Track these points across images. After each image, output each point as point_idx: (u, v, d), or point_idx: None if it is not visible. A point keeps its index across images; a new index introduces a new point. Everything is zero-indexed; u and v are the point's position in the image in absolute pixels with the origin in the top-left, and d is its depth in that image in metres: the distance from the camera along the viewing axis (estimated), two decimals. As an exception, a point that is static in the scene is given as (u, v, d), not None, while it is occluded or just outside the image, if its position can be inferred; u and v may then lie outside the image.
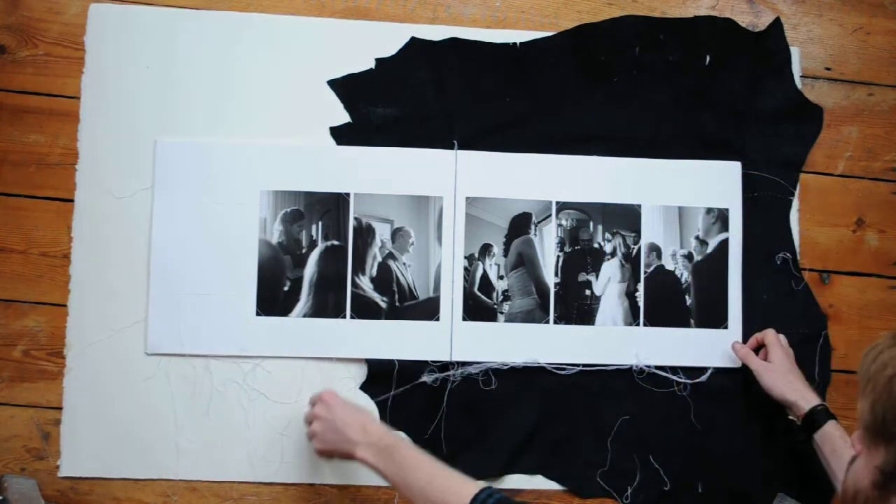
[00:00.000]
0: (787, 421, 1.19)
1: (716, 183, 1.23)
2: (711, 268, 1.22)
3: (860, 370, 0.76)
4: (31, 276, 1.17)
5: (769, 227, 1.24)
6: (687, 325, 1.21)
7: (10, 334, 1.16)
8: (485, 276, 1.20)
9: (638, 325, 1.21)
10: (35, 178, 1.18)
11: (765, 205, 1.24)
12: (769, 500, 1.19)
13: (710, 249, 1.22)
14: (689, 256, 1.22)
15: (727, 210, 1.23)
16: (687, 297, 1.22)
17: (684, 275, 1.22)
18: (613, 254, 1.22)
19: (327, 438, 1.05)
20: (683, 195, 1.23)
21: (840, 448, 1.03)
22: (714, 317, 1.21)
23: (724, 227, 1.23)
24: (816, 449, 1.07)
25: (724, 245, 1.22)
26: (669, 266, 1.22)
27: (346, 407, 1.06)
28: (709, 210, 1.23)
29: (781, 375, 1.11)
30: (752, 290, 1.22)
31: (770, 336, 1.16)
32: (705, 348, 1.21)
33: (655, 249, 1.22)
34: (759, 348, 1.19)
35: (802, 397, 1.09)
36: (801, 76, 1.28)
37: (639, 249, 1.22)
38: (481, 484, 0.91)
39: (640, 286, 1.21)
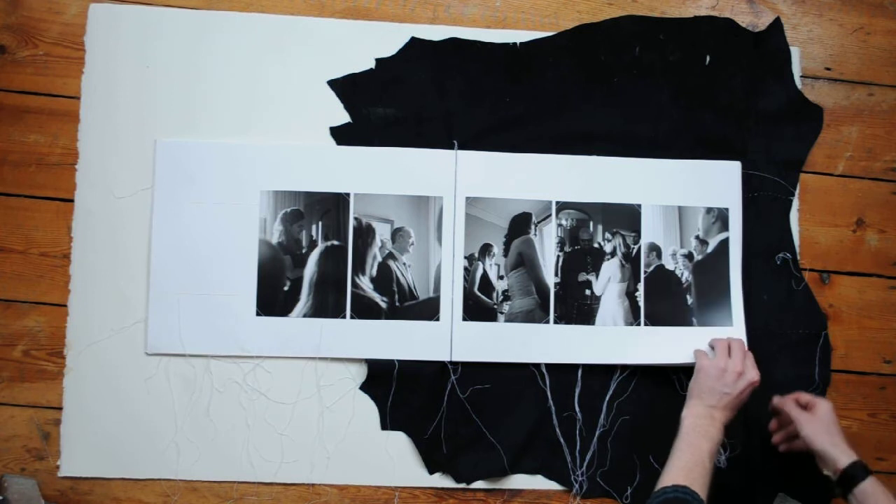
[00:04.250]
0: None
1: (716, 183, 1.23)
2: (712, 267, 1.22)
3: None
4: (31, 276, 1.17)
5: (769, 227, 1.24)
6: (689, 324, 1.21)
7: (10, 334, 1.16)
8: (485, 276, 1.20)
9: (638, 324, 1.21)
10: (35, 178, 1.18)
11: (765, 205, 1.24)
12: (769, 500, 1.20)
13: (710, 249, 1.22)
14: (689, 256, 1.22)
15: (727, 210, 1.23)
16: (688, 296, 1.22)
17: (685, 274, 1.22)
18: (613, 254, 1.22)
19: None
20: (683, 195, 1.23)
21: (884, 503, 1.01)
22: (716, 316, 1.21)
23: (724, 226, 1.23)
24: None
25: (724, 245, 1.22)
26: (669, 266, 1.22)
27: None
28: (709, 210, 1.23)
29: (825, 427, 1.09)
30: (752, 290, 1.22)
31: (808, 395, 1.14)
32: (707, 347, 1.21)
33: (655, 249, 1.22)
34: None
35: (843, 452, 1.06)
36: (801, 76, 1.28)
37: (639, 249, 1.22)
38: None
39: (641, 286, 1.21)
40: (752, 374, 1.09)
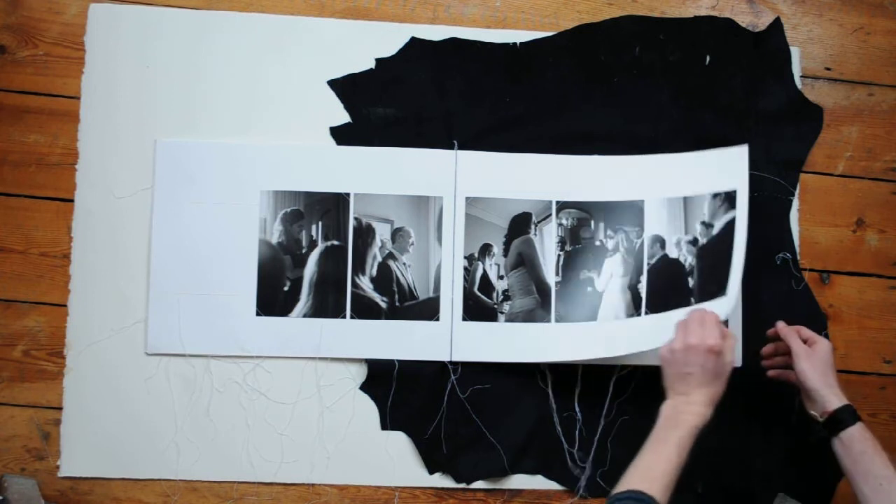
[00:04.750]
0: (788, 421, 1.19)
1: (722, 169, 1.18)
2: (717, 248, 1.17)
3: None
4: (31, 276, 1.17)
5: (769, 227, 1.24)
6: (688, 304, 1.16)
7: (10, 334, 1.16)
8: (485, 276, 1.20)
9: (639, 314, 1.19)
10: (35, 178, 1.18)
11: (765, 205, 1.24)
12: (769, 500, 1.19)
13: (715, 231, 1.18)
14: (693, 241, 1.20)
15: (734, 192, 1.16)
16: (690, 279, 1.19)
17: (688, 259, 1.19)
18: (616, 250, 1.21)
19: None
20: (688, 186, 1.19)
21: (871, 450, 0.99)
22: (713, 290, 1.15)
23: (731, 206, 1.17)
24: (840, 448, 1.02)
25: (730, 225, 1.16)
26: (673, 254, 1.20)
27: None
28: (715, 195, 1.18)
29: (821, 365, 1.06)
30: (752, 291, 1.22)
31: (810, 331, 1.12)
32: None
33: (659, 241, 1.21)
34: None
35: (835, 394, 1.04)
36: (801, 76, 1.28)
37: (642, 243, 1.21)
38: None
39: (643, 277, 1.20)
40: (708, 340, 1.00)
